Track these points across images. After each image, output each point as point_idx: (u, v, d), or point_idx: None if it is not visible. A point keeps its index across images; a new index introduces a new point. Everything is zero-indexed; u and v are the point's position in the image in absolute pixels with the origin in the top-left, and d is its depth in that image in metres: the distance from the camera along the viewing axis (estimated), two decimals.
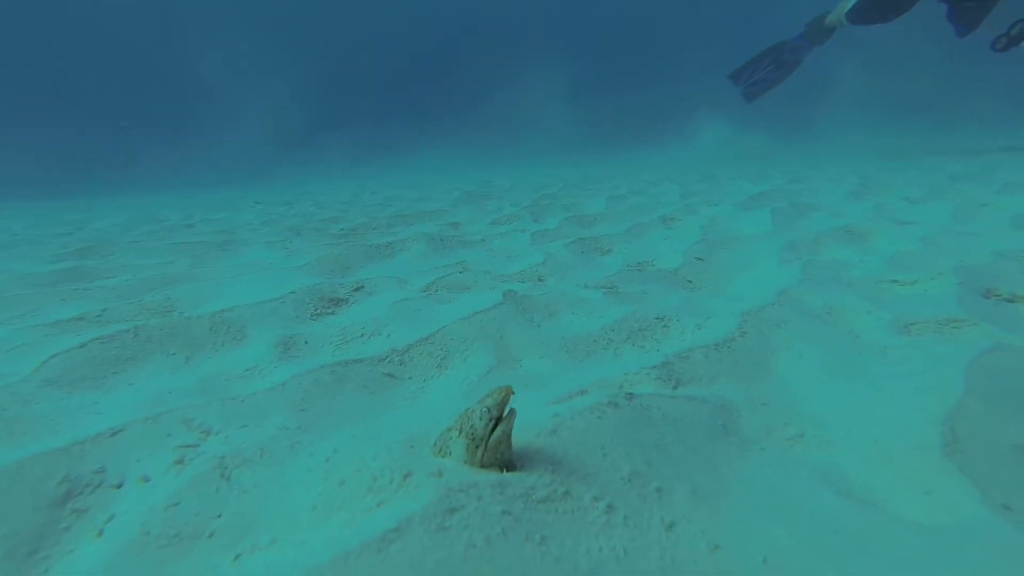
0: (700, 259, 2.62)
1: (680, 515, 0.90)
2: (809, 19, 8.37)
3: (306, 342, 1.75)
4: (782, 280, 2.17)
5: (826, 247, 2.78)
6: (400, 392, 1.45)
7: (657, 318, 1.78)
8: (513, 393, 0.94)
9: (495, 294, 2.00)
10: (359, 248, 3.09)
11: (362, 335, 1.79)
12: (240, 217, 5.26)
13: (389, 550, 0.77)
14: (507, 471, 0.93)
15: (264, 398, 1.32)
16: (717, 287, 2.29)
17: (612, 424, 1.10)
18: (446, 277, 2.37)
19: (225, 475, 1.02)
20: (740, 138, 12.38)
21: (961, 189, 4.48)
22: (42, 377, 1.46)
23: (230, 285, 2.35)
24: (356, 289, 2.26)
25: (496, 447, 0.93)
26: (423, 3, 28.29)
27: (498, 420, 0.93)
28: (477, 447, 0.93)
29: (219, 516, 0.93)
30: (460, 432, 0.95)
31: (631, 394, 1.22)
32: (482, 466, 0.93)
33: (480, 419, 0.93)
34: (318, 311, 2.04)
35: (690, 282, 2.35)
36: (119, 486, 1.02)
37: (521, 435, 1.03)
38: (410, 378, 1.52)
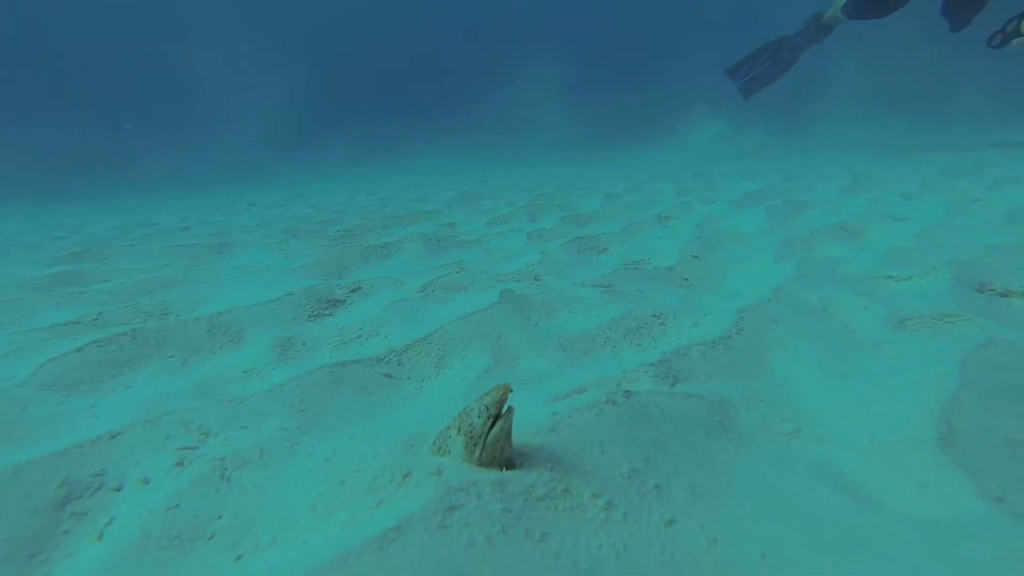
0: (696, 257, 2.63)
1: (679, 511, 0.91)
2: (808, 17, 8.41)
3: (304, 343, 1.75)
4: (778, 277, 2.18)
5: (821, 244, 2.79)
6: (398, 392, 1.45)
7: (654, 316, 1.79)
8: (511, 391, 0.94)
9: (492, 294, 2.01)
10: (356, 249, 3.08)
11: (360, 336, 1.79)
12: (235, 219, 5.24)
13: (390, 549, 0.77)
14: (506, 469, 0.94)
15: (263, 399, 1.32)
16: (713, 284, 2.30)
17: (610, 422, 1.11)
18: (443, 277, 2.37)
19: (225, 476, 1.02)
20: (737, 136, 12.40)
21: (954, 184, 4.50)
22: (39, 381, 1.45)
23: (227, 287, 2.34)
24: (353, 290, 2.26)
25: (495, 445, 0.93)
26: (423, 3, 28.27)
27: (496, 418, 0.93)
28: (476, 445, 0.93)
29: (219, 517, 0.93)
30: (459, 431, 0.96)
31: (629, 392, 1.23)
32: (481, 464, 0.94)
33: (478, 417, 0.94)
34: (315, 312, 2.04)
35: (686, 280, 2.35)
36: (119, 489, 1.02)
37: (520, 433, 1.04)
38: (408, 378, 1.52)
